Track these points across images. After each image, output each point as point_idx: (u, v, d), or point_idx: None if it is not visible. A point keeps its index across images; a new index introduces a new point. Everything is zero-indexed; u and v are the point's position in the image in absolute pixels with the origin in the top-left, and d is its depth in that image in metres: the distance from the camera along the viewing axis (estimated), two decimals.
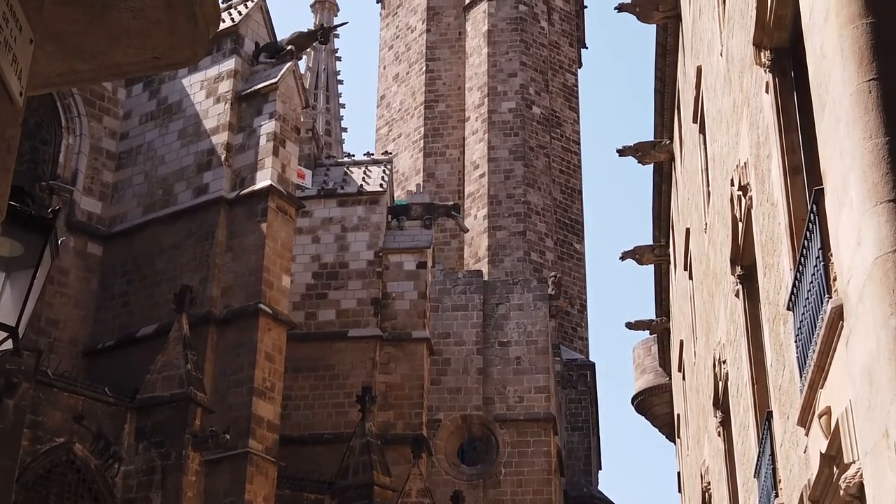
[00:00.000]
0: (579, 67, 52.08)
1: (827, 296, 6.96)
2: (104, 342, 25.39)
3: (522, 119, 46.61)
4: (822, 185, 7.15)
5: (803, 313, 7.81)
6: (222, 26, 27.03)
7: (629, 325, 28.49)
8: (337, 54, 63.45)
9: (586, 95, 79.21)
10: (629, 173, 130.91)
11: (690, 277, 19.43)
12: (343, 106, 61.60)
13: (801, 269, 7.80)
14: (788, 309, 8.45)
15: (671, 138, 21.92)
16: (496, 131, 46.36)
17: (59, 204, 25.85)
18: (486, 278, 38.46)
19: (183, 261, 24.95)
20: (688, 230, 19.32)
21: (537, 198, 45.61)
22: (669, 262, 25.00)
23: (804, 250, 7.62)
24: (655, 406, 33.12)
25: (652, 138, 22.76)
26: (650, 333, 29.93)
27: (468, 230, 43.24)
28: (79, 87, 26.38)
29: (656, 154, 22.68)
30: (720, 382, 14.49)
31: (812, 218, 7.33)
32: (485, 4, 48.75)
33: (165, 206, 26.01)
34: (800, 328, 7.97)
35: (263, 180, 24.88)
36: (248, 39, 27.08)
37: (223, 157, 25.56)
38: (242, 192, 25.13)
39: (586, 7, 54.17)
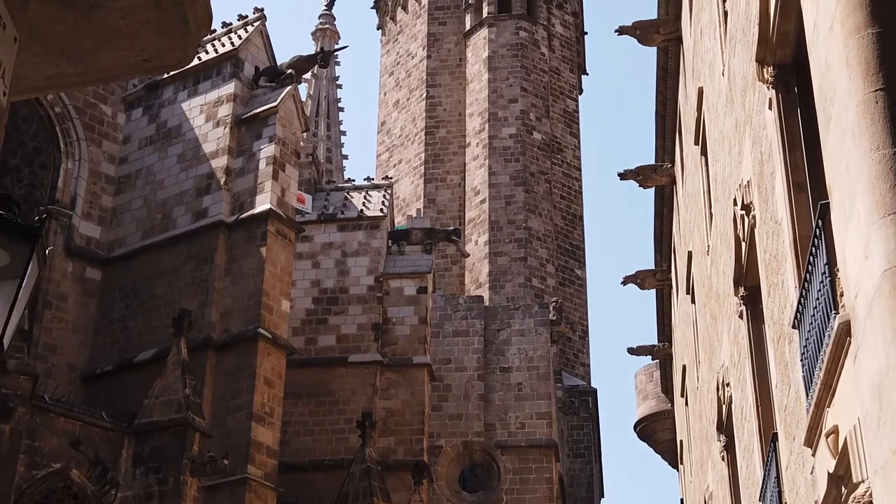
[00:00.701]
0: (580, 93, 52.13)
1: (834, 312, 6.85)
2: (102, 367, 25.20)
3: (523, 145, 46.57)
4: (826, 200, 7.06)
5: (809, 331, 7.70)
6: (222, 50, 27.02)
7: (631, 351, 28.38)
8: (338, 82, 63.61)
9: (587, 121, 79.46)
10: (630, 198, 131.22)
11: (693, 301, 19.34)
12: (344, 133, 61.68)
13: (806, 285, 7.70)
14: (794, 327, 8.34)
15: (672, 162, 21.89)
16: (497, 157, 46.33)
17: (57, 229, 25.75)
18: (487, 304, 38.33)
19: (182, 285, 24.80)
20: (689, 253, 19.23)
21: (538, 223, 45.52)
22: (671, 287, 24.91)
23: (810, 266, 7.52)
24: (658, 432, 32.94)
25: (653, 162, 22.70)
26: (652, 359, 29.77)
27: (468, 255, 43.12)
28: (67, 93, 26.30)
29: (657, 178, 22.63)
30: (724, 406, 14.37)
31: (818, 233, 7.23)
32: (485, 31, 48.81)
33: (164, 231, 25.87)
34: (806, 346, 7.86)
35: (263, 204, 24.76)
36: (248, 63, 27.02)
37: (222, 181, 25.45)
38: (242, 216, 25.00)
39: (587, 33, 54.29)
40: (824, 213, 7.10)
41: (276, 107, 25.64)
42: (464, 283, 44.79)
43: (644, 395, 33.83)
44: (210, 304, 24.14)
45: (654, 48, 20.31)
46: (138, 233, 26.38)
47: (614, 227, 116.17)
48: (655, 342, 28.34)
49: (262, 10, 27.65)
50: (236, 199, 25.33)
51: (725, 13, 12.31)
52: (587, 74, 53.98)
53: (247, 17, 27.75)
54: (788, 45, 9.08)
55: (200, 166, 25.95)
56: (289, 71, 26.58)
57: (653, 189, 23.57)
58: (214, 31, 28.17)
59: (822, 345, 7.23)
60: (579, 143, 50.23)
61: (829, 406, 7.28)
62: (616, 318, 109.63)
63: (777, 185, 9.15)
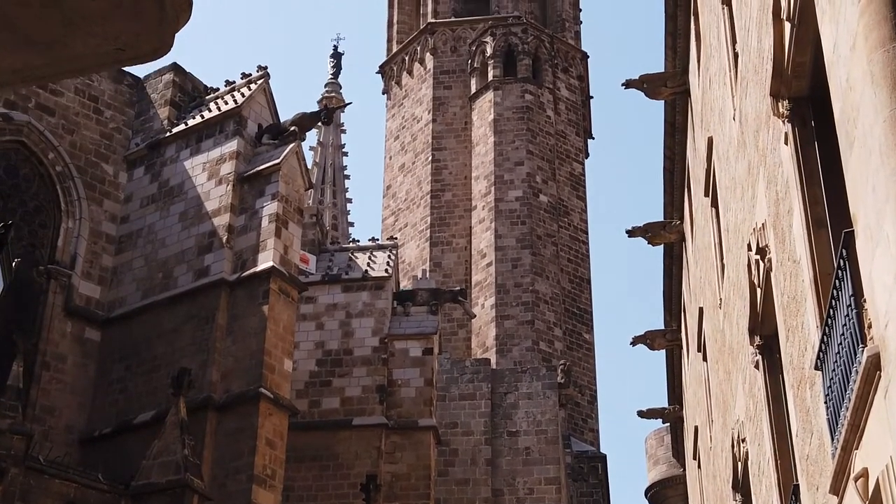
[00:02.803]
0: (586, 157, 52.04)
1: (861, 345, 6.53)
2: (100, 430, 24.73)
3: (529, 207, 46.35)
4: (850, 229, 6.74)
5: (833, 370, 7.36)
6: (224, 108, 26.86)
7: (641, 414, 27.96)
8: (344, 149, 63.87)
9: (593, 185, 79.77)
10: (638, 260, 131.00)
11: (704, 359, 19.05)
12: (350, 200, 61.85)
13: (829, 322, 7.38)
14: (816, 369, 8.00)
15: (681, 218, 21.69)
16: (503, 220, 46.06)
17: (56, 289, 25.44)
18: (493, 367, 37.88)
19: (182, 345, 24.39)
20: (700, 310, 18.99)
21: (545, 286, 45.14)
22: (681, 347, 24.60)
23: (833, 301, 7.21)
24: (670, 498, 32.45)
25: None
26: (663, 422, 29.34)
27: (475, 316, 42.71)
28: (68, 152, 26.16)
29: (666, 234, 22.43)
30: (739, 463, 14.00)
31: (842, 264, 6.91)
32: (490, 94, 48.81)
33: (165, 290, 25.50)
34: (830, 387, 7.52)
35: (265, 262, 24.40)
36: (251, 121, 26.83)
37: (224, 239, 25.13)
38: (244, 274, 24.63)
39: (592, 98, 54.33)
40: (848, 241, 6.79)
41: (278, 164, 25.38)
42: (470, 347, 44.32)
43: (655, 459, 33.35)
44: (211, 364, 23.72)
45: (662, 103, 20.21)
46: (139, 292, 26.02)
47: (622, 290, 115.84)
48: (666, 405, 27.97)
49: (265, 68, 27.53)
50: (238, 257, 24.99)
51: (736, 55, 12.13)
52: (593, 139, 53.97)
53: (250, 75, 27.64)
54: (804, 78, 8.85)
55: (202, 224, 25.66)
56: (292, 128, 26.34)
57: (661, 247, 23.35)
58: (217, 89, 28.10)
59: (848, 382, 6.90)
60: (586, 206, 50.00)
61: (857, 448, 6.92)
62: (625, 382, 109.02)
63: (795, 222, 8.86)
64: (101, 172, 27.16)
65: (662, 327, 25.47)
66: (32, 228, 26.12)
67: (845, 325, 6.90)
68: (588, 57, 53.85)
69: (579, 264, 48.21)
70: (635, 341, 24.85)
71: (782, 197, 9.44)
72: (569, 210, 48.83)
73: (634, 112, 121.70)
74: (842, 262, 6.91)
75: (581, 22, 54.57)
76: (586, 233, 49.33)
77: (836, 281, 7.05)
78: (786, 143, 9.06)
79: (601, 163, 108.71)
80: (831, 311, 7.28)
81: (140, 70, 29.19)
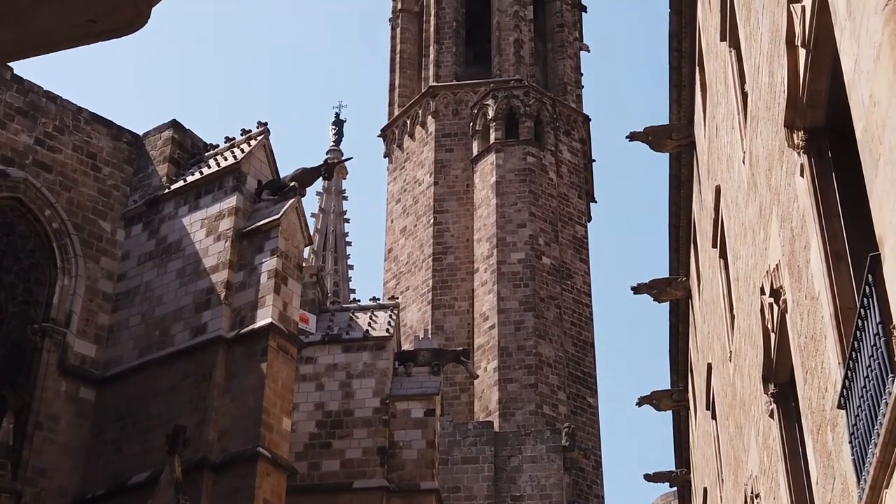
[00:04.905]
0: (588, 220, 51.84)
1: (891, 375, 6.15)
2: (94, 492, 24.12)
3: (532, 270, 46.06)
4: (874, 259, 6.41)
5: (859, 406, 6.98)
6: (223, 164, 26.64)
7: (647, 478, 27.50)
8: (345, 216, 63.85)
9: (596, 248, 79.56)
10: (642, 323, 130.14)
11: (714, 416, 18.67)
12: (351, 267, 61.68)
13: (853, 355, 6.99)
14: (839, 407, 7.60)
15: (687, 275, 21.44)
16: (505, 282, 45.75)
17: (51, 348, 25.02)
18: (497, 430, 37.35)
19: (179, 404, 23.88)
20: (709, 366, 18.68)
21: (549, 349, 44.70)
22: (688, 408, 24.22)
23: (858, 332, 6.83)
24: None
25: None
26: (670, 486, 28.83)
27: (478, 376, 42.22)
28: (66, 209, 25.89)
29: (672, 291, 22.18)
30: None
31: (867, 291, 6.53)
32: (492, 156, 48.76)
33: (162, 348, 25.03)
34: (856, 424, 7.13)
35: (264, 318, 23.97)
36: (251, 177, 26.55)
37: (222, 296, 24.73)
38: (242, 331, 24.17)
39: (594, 161, 54.30)
40: (874, 266, 6.44)
41: (278, 219, 25.05)
42: (473, 411, 43.76)
43: None
44: (208, 423, 23.20)
45: (665, 167, 20.07)
46: (135, 350, 25.56)
47: (627, 352, 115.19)
48: (673, 468, 27.52)
49: (265, 124, 27.38)
50: (237, 313, 24.57)
51: (745, 95, 11.90)
52: (595, 202, 53.82)
53: (250, 131, 27.47)
54: (820, 108, 8.56)
55: (200, 281, 25.28)
56: (292, 184, 26.08)
57: (667, 305, 23.08)
58: (217, 146, 27.90)
59: (876, 417, 6.52)
60: (589, 269, 49.71)
61: (887, 487, 6.55)
62: (631, 445, 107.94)
63: (813, 257, 8.52)
64: (99, 230, 26.85)
65: (668, 388, 25.11)
66: (28, 286, 25.72)
67: (872, 355, 6.55)
68: (590, 120, 53.99)
69: (583, 327, 47.80)
70: (641, 402, 24.54)
71: (798, 233, 9.13)
72: (572, 273, 48.52)
73: (637, 176, 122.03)
74: (867, 288, 6.55)
75: (583, 86, 54.74)
76: (590, 296, 48.99)
77: (862, 310, 6.70)
78: (801, 176, 8.75)
79: (604, 226, 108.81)
80: (855, 342, 6.92)
81: (139, 127, 29.08)
